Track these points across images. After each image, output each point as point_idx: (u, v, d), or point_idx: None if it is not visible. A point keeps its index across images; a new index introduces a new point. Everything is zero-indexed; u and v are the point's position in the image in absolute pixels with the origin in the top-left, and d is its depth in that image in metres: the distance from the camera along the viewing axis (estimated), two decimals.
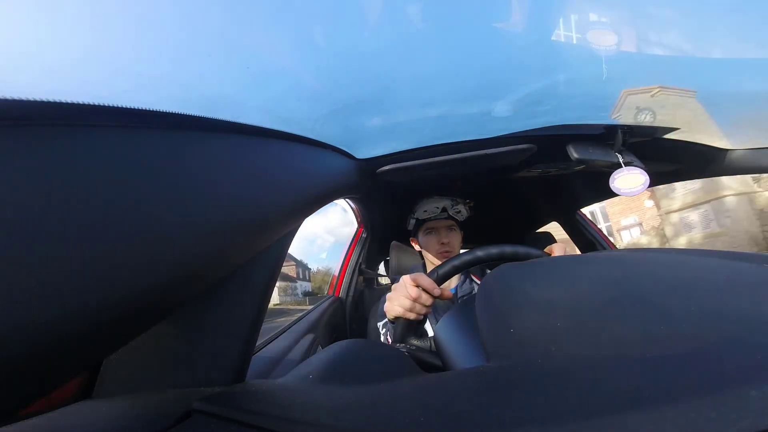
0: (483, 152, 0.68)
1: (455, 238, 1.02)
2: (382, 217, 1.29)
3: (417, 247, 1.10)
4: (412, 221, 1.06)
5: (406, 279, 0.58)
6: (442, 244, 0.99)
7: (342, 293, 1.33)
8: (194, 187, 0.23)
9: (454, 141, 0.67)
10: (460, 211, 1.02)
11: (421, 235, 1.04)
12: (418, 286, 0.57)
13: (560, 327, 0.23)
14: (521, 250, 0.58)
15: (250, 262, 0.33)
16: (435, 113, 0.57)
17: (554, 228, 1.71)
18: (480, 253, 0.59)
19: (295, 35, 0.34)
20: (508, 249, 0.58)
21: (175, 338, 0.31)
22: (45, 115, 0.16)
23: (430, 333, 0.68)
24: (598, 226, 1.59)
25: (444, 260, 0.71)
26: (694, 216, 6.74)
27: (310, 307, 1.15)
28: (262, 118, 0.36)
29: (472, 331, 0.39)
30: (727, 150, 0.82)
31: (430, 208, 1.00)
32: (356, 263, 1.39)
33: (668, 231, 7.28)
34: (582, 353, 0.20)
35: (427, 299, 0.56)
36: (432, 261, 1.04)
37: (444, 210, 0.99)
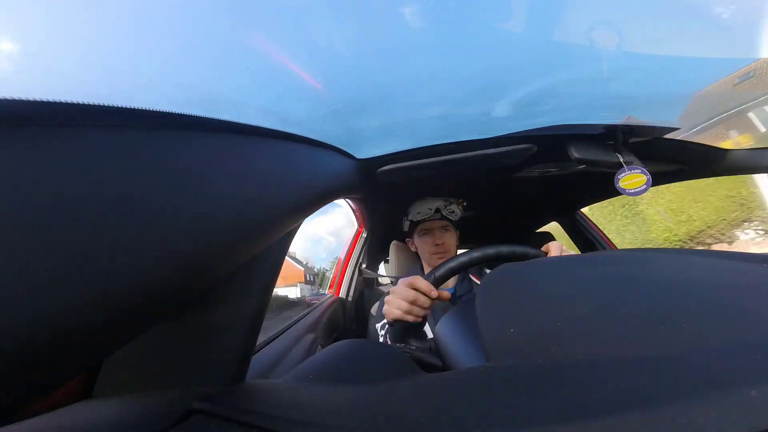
0: (483, 152, 0.68)
1: (450, 238, 1.02)
2: (382, 217, 1.29)
3: (413, 249, 1.11)
4: (407, 223, 1.06)
5: (403, 282, 0.58)
6: (437, 245, 0.99)
7: (342, 293, 1.33)
8: (194, 188, 0.23)
9: (454, 141, 0.67)
10: (453, 212, 1.02)
11: (416, 237, 1.05)
12: (415, 289, 0.57)
13: (560, 327, 0.23)
14: (518, 249, 0.58)
15: (250, 262, 0.33)
16: (435, 113, 0.57)
17: (554, 228, 1.71)
18: (476, 254, 0.59)
19: (295, 35, 0.34)
20: (504, 249, 0.58)
21: (175, 338, 0.31)
22: (45, 115, 0.16)
23: (429, 335, 0.68)
24: None
25: (440, 261, 0.71)
26: None
27: (310, 307, 1.15)
28: (262, 118, 0.36)
29: (472, 331, 0.39)
30: (727, 150, 0.82)
31: (423, 209, 1.00)
32: (356, 263, 1.39)
33: None
34: (582, 353, 0.20)
35: (424, 302, 0.56)
36: (428, 262, 1.04)
37: (437, 211, 0.99)
